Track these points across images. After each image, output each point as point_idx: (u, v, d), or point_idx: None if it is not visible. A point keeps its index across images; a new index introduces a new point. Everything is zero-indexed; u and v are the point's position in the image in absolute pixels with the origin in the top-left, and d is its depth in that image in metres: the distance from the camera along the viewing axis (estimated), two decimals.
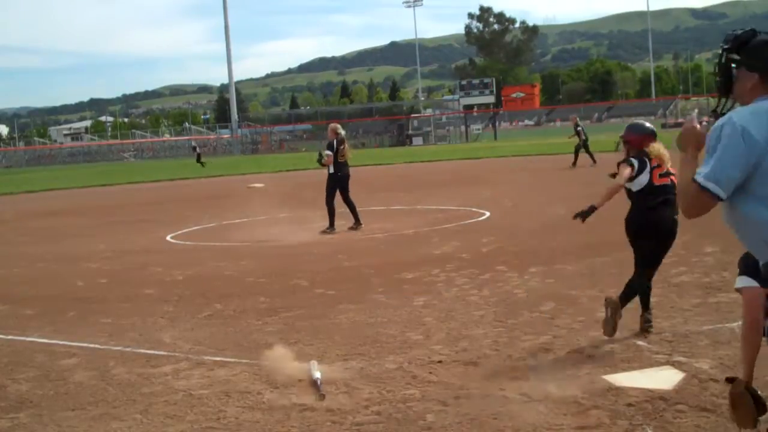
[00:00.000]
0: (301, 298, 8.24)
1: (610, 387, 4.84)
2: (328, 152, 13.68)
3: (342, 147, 13.74)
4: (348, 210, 13.71)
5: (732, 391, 3.91)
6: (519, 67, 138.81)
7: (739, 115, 2.89)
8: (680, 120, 72.82)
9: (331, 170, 13.61)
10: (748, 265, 3.90)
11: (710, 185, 2.83)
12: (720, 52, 3.05)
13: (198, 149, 41.39)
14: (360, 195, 21.75)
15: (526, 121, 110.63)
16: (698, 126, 3.02)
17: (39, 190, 33.08)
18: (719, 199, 2.86)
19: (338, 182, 13.62)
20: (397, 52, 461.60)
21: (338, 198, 13.59)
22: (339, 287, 8.63)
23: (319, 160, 13.90)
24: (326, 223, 13.56)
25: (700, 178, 2.85)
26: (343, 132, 14.25)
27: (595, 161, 25.25)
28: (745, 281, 4.01)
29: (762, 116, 2.86)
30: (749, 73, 2.93)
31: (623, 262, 8.93)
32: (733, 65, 3.00)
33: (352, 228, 13.58)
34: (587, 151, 26.15)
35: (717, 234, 10.41)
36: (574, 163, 25.74)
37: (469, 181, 23.67)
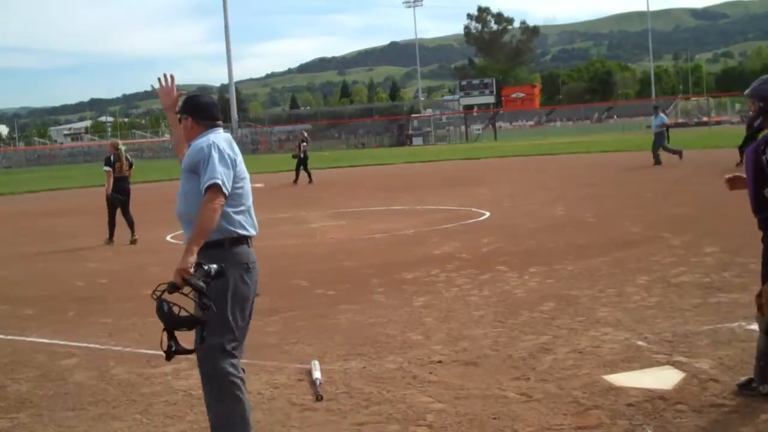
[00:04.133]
0: (301, 298, 8.24)
1: (610, 387, 4.84)
2: (107, 168, 13.83)
3: (119, 163, 13.86)
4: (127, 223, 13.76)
5: None
6: (519, 68, 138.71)
7: None
8: (680, 120, 72.82)
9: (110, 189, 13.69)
10: None
11: None
12: None
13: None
14: (360, 195, 21.79)
15: (524, 121, 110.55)
16: None
17: (39, 190, 33.07)
18: None
19: (116, 199, 13.72)
20: (397, 52, 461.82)
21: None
22: (339, 287, 8.63)
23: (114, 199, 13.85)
24: (325, 223, 13.57)
25: None
26: (123, 148, 14.35)
27: (311, 180, 25.95)
28: None
29: None
30: None
31: (623, 262, 8.96)
32: None
33: (132, 242, 13.57)
34: (305, 168, 26.52)
35: (717, 234, 10.42)
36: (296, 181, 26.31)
37: (469, 181, 23.67)
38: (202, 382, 3.89)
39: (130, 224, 13.93)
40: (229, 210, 3.82)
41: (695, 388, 4.68)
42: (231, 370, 3.84)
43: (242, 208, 3.91)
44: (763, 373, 4.44)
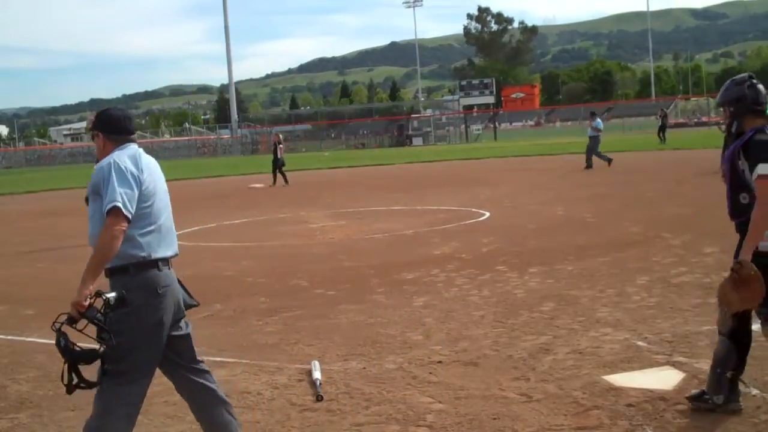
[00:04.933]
0: (301, 298, 8.24)
1: (610, 387, 4.84)
2: None
3: None
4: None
5: (742, 271, 3.95)
6: (519, 68, 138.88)
7: None
8: (680, 120, 72.83)
9: None
10: None
11: None
12: None
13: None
14: (360, 195, 21.77)
15: (525, 121, 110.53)
16: None
17: (39, 190, 33.06)
18: None
19: None
20: (397, 52, 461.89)
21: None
22: (339, 287, 8.63)
23: None
24: (325, 223, 13.56)
25: None
26: None
27: (286, 182, 25.98)
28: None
29: None
30: None
31: (623, 262, 8.96)
32: None
33: None
34: (281, 171, 26.57)
35: (717, 234, 10.41)
36: (274, 183, 26.46)
37: (469, 181, 23.67)
38: (94, 403, 3.66)
39: None
40: (135, 233, 3.57)
41: (695, 389, 4.68)
42: (128, 399, 3.64)
43: (151, 228, 3.65)
44: (719, 381, 4.30)
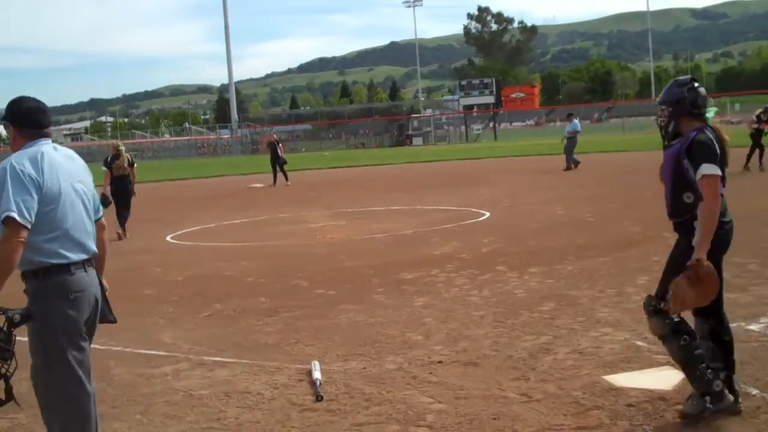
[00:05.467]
0: (301, 298, 8.24)
1: (610, 387, 4.84)
2: (103, 168, 14.49)
3: (118, 162, 14.56)
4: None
5: (700, 269, 4.07)
6: (519, 67, 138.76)
7: None
8: None
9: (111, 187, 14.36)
10: None
11: None
12: None
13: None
14: (360, 195, 21.78)
15: (524, 121, 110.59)
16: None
17: None
18: None
19: (116, 195, 14.25)
20: (397, 52, 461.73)
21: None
22: (339, 287, 8.63)
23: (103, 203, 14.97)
24: (325, 223, 13.59)
25: None
26: (123, 148, 15.15)
27: (287, 180, 25.92)
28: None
29: None
30: None
31: (623, 262, 8.96)
32: None
33: (119, 236, 13.87)
34: (282, 169, 26.52)
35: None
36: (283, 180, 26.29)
37: (469, 181, 23.67)
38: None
39: (123, 219, 14.30)
40: (38, 239, 3.40)
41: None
42: (74, 401, 3.61)
43: (55, 234, 3.46)
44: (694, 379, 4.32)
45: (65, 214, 3.51)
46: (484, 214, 14.68)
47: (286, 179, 26.28)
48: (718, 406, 4.22)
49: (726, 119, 77.44)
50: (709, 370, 4.23)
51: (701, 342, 4.31)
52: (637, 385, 4.81)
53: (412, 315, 7.13)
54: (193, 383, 5.50)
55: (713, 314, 4.31)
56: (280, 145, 27.42)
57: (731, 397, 4.26)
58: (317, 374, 5.29)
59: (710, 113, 4.40)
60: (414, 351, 5.92)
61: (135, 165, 15.11)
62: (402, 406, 4.75)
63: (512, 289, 7.95)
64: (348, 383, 5.25)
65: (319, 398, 4.94)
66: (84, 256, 3.57)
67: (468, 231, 12.74)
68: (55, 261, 3.47)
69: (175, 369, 5.85)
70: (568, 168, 24.57)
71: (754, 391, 4.56)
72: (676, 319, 4.27)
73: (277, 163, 26.73)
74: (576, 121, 26.52)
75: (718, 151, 4.19)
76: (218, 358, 6.05)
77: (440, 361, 5.61)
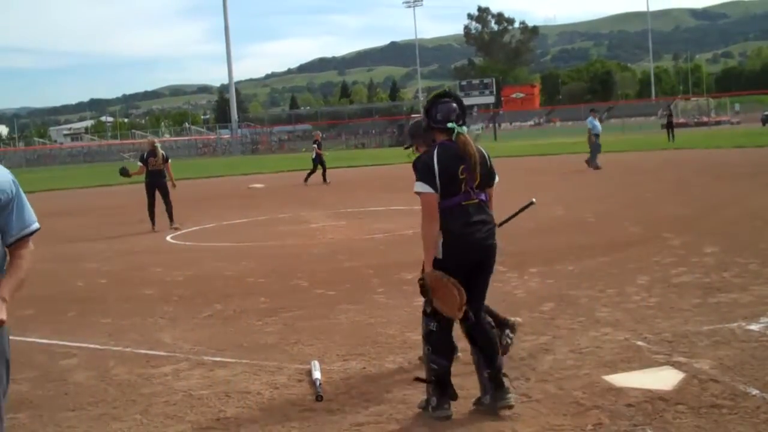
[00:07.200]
0: (301, 298, 8.24)
1: (610, 387, 4.83)
2: (139, 162, 15.89)
3: (153, 158, 15.65)
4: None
5: (424, 283, 4.33)
6: (519, 68, 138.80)
7: None
8: (681, 120, 72.74)
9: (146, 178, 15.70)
10: None
11: None
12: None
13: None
14: (360, 195, 21.77)
15: (525, 121, 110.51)
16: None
17: (39, 190, 33.04)
18: None
19: (150, 188, 15.47)
20: (397, 52, 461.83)
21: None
22: (339, 287, 8.62)
23: (121, 173, 16.32)
24: (325, 223, 13.60)
25: None
26: (159, 145, 16.28)
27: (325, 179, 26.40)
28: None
29: None
30: None
31: (623, 262, 8.96)
32: None
33: (174, 228, 14.87)
34: (325, 167, 26.97)
35: (717, 234, 10.43)
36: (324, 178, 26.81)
37: None
38: None
39: (169, 213, 15.10)
40: None
41: (695, 389, 4.68)
42: None
43: None
44: (481, 381, 4.60)
45: None
46: None
47: (325, 179, 26.64)
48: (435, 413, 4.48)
49: (726, 119, 77.60)
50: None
51: (473, 349, 4.66)
52: (637, 385, 4.81)
53: (412, 315, 7.11)
54: (193, 383, 5.49)
55: (464, 318, 4.55)
56: (315, 145, 27.73)
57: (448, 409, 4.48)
58: (317, 374, 5.29)
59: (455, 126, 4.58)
60: (414, 351, 5.91)
61: (170, 160, 15.97)
62: (402, 406, 4.75)
63: (512, 290, 7.94)
64: (348, 383, 5.24)
65: (318, 398, 4.93)
66: None
67: None
68: None
69: (175, 369, 5.85)
70: (596, 167, 23.73)
71: (754, 391, 4.56)
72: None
73: (320, 161, 26.76)
74: (597, 121, 25.55)
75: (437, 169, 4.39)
76: (218, 358, 6.05)
77: None
